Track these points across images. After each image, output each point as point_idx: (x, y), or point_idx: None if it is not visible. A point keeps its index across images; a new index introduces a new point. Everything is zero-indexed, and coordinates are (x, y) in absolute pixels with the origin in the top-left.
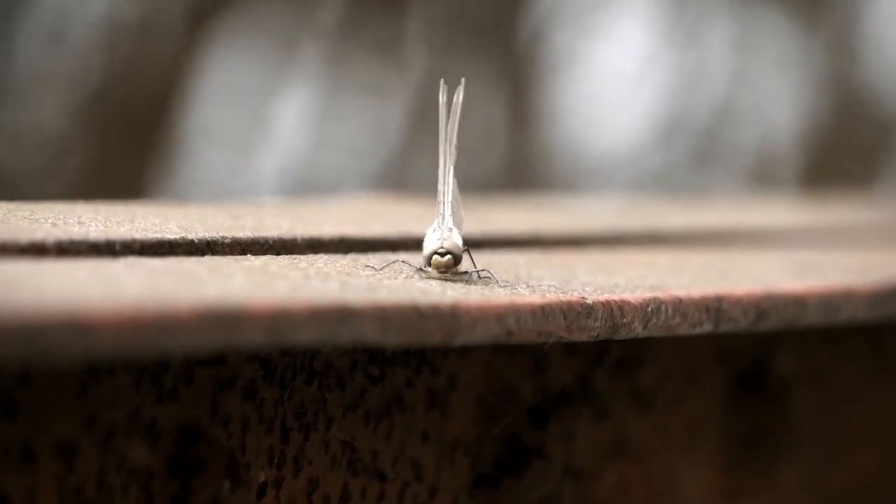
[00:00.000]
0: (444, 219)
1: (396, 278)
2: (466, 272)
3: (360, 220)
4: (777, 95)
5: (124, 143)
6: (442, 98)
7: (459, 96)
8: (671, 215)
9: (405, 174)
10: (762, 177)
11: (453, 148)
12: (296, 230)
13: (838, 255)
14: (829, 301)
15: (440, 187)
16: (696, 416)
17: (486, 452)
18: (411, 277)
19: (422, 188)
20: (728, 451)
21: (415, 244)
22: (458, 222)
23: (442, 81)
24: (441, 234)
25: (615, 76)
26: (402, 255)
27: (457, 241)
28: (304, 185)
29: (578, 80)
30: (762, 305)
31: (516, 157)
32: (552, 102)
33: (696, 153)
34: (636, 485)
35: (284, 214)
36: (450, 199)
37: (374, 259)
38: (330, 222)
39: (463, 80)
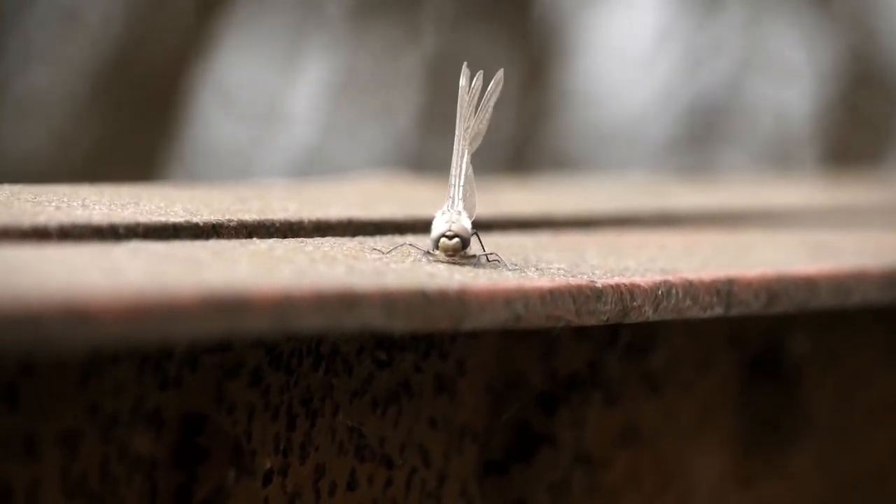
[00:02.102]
0: (454, 202)
1: (403, 262)
2: (475, 256)
3: (368, 202)
4: (791, 72)
5: (138, 119)
6: (463, 81)
7: (479, 81)
8: (683, 196)
9: (420, 153)
10: (776, 154)
11: (478, 134)
12: (303, 213)
13: (851, 236)
14: (842, 283)
15: (453, 170)
16: (708, 400)
17: (495, 439)
18: (419, 261)
19: (437, 167)
20: (740, 435)
21: (423, 227)
22: (469, 206)
23: (465, 65)
24: (450, 216)
25: (629, 52)
26: (410, 238)
27: (465, 224)
28: (319, 162)
29: (593, 56)
30: (774, 288)
31: (529, 133)
32: (566, 78)
33: (709, 130)
34: (647, 471)
35: (292, 196)
36: (461, 182)
37: (382, 242)
38: (338, 204)
39: (501, 70)
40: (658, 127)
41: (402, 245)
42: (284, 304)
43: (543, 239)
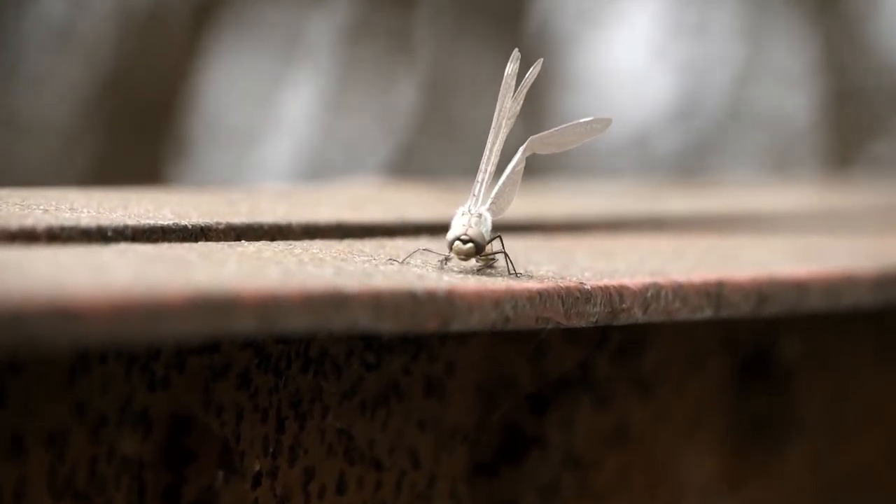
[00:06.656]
0: (477, 200)
1: (391, 264)
2: (493, 258)
3: (357, 205)
4: (787, 79)
5: (133, 134)
6: (510, 67)
7: (534, 72)
8: (674, 200)
9: (414, 163)
10: (775, 160)
11: (512, 116)
12: (292, 216)
13: (842, 239)
14: (832, 286)
15: (482, 165)
16: (699, 402)
17: (484, 440)
18: (432, 263)
19: (431, 176)
20: (731, 438)
21: (412, 230)
22: (499, 204)
23: (516, 50)
24: (468, 220)
25: (626, 62)
26: (399, 242)
27: (483, 228)
28: (314, 174)
29: (588, 68)
30: (764, 291)
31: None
32: (562, 90)
33: (706, 139)
34: (637, 473)
35: (281, 200)
36: (488, 179)
37: (371, 245)
38: (327, 208)
39: (540, 59)
40: (656, 136)
41: (416, 251)
42: (272, 304)
43: (535, 242)
